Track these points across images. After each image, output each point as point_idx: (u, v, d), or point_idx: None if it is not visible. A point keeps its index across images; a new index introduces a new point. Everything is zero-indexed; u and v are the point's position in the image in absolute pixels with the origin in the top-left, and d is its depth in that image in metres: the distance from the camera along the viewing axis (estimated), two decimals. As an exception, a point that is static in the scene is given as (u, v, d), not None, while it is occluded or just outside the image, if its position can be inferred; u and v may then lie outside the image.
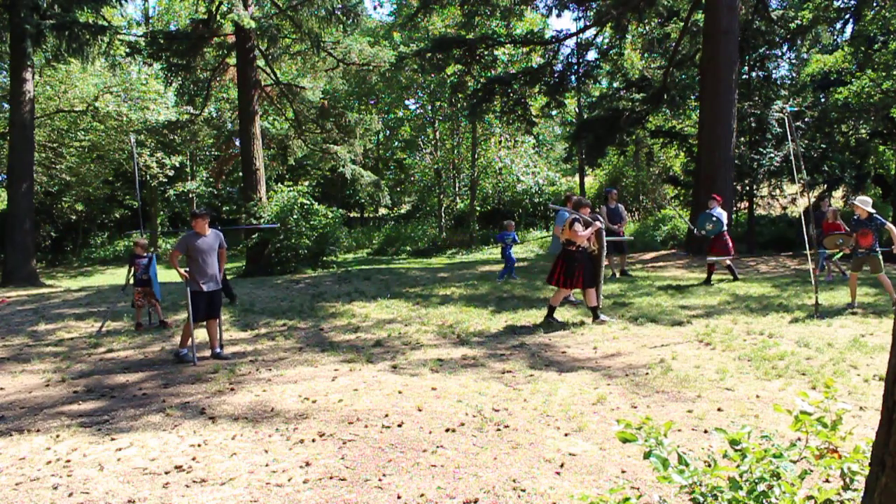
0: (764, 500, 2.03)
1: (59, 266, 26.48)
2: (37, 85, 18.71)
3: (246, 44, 17.63)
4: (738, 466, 2.16)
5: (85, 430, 4.53)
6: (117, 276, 21.95)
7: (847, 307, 8.20)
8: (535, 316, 8.39)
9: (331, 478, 3.59)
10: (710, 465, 2.13)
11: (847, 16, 19.82)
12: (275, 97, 21.01)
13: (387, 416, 4.60)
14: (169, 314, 9.38)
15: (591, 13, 19.95)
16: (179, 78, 19.11)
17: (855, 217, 8.32)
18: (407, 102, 31.46)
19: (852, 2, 19.11)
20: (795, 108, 18.49)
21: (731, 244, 10.80)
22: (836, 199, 24.46)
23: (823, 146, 19.87)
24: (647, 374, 5.60)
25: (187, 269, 6.69)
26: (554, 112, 23.78)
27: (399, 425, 4.40)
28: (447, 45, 18.62)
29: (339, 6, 17.98)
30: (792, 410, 2.37)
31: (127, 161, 24.52)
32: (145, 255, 8.59)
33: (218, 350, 6.76)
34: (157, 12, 30.21)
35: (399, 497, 3.34)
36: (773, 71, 20.43)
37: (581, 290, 7.78)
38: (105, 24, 16.99)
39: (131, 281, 8.64)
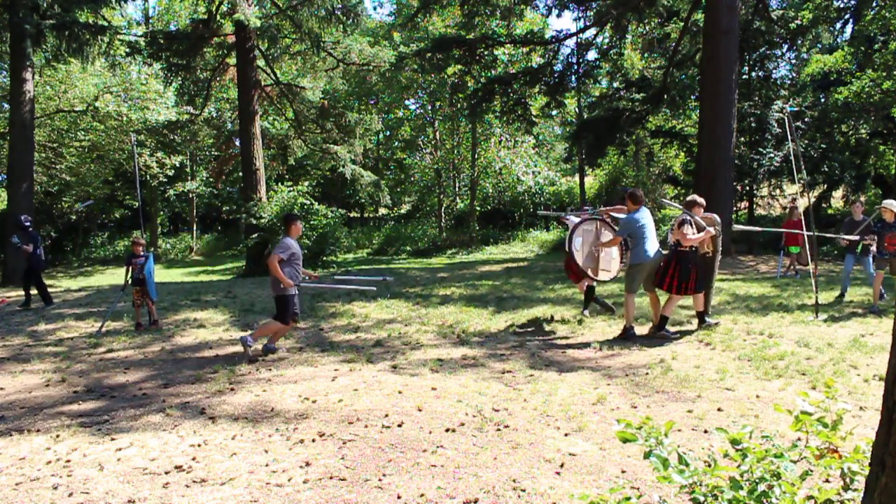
0: (764, 500, 2.03)
1: (59, 266, 26.48)
2: (37, 85, 18.70)
3: (246, 44, 17.64)
4: (738, 466, 2.15)
5: (85, 430, 4.53)
6: (117, 275, 21.95)
7: (871, 309, 8.10)
8: (536, 316, 8.39)
9: (331, 478, 3.58)
10: (710, 465, 2.13)
11: (847, 16, 19.83)
12: (275, 97, 21.02)
13: (387, 416, 4.60)
14: (169, 314, 9.38)
15: (591, 13, 19.96)
16: (179, 78, 19.13)
17: (880, 220, 8.25)
18: (407, 102, 31.49)
19: (852, 2, 19.12)
20: (795, 108, 18.49)
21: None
22: (836, 198, 24.48)
23: (823, 146, 19.88)
24: (647, 374, 5.60)
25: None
26: (554, 112, 23.79)
27: (399, 425, 4.40)
28: (447, 45, 18.62)
29: (339, 6, 17.99)
30: (792, 410, 2.37)
31: (127, 161, 24.54)
32: (142, 254, 8.58)
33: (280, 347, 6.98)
34: (157, 12, 30.21)
35: (399, 497, 3.34)
36: (773, 71, 20.47)
37: (691, 294, 7.05)
38: (105, 24, 16.99)
39: (129, 281, 8.62)
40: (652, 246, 6.99)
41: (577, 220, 7.95)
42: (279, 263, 6.55)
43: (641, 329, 7.28)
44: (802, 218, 10.91)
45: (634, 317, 7.30)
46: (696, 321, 7.57)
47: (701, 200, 7.12)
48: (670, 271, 6.95)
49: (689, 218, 6.93)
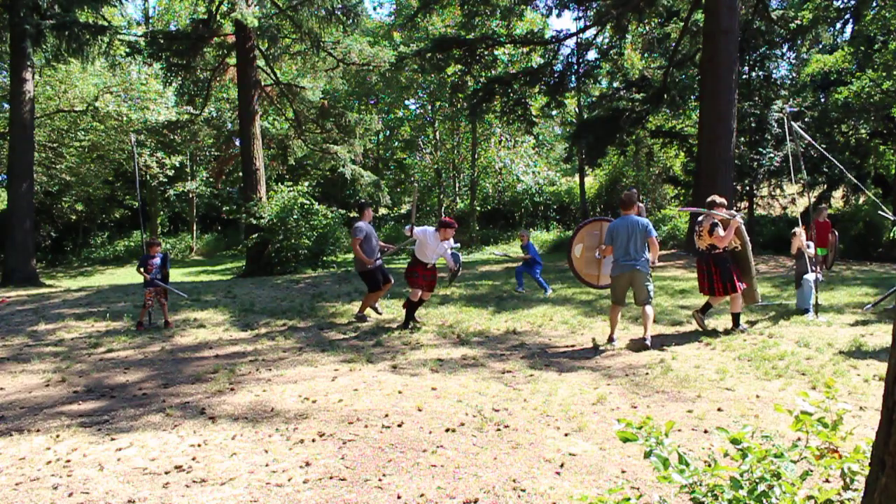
0: (764, 500, 2.03)
1: (59, 266, 26.48)
2: (37, 85, 18.71)
3: (246, 44, 17.64)
4: (738, 466, 2.16)
5: (85, 430, 4.53)
6: (117, 276, 21.97)
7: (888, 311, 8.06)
8: (536, 316, 8.39)
9: (331, 478, 3.59)
10: (710, 465, 2.13)
11: (847, 16, 19.85)
12: (275, 97, 21.02)
13: (387, 416, 4.60)
14: (169, 314, 9.36)
15: (591, 13, 19.98)
16: (179, 78, 19.12)
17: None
18: (407, 102, 31.49)
19: (852, 2, 19.13)
20: (795, 109, 18.49)
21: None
22: (836, 198, 24.48)
23: (823, 146, 19.87)
24: (647, 374, 5.60)
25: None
26: (554, 112, 23.81)
27: (399, 425, 4.40)
28: (447, 45, 18.63)
29: (339, 6, 18.00)
30: (792, 410, 2.38)
31: (127, 161, 24.54)
32: (157, 255, 8.56)
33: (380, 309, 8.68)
34: (157, 12, 30.24)
35: (399, 497, 3.34)
36: (773, 71, 20.47)
37: (727, 294, 7.01)
38: (105, 24, 17.00)
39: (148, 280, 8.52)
40: (624, 257, 6.59)
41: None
42: (360, 245, 8.01)
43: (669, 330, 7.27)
44: (828, 220, 10.79)
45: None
46: (695, 322, 7.57)
47: (721, 200, 7.03)
48: (715, 277, 6.94)
49: (717, 220, 6.87)
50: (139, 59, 19.76)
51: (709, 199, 7.11)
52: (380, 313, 8.76)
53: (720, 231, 6.82)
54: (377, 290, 8.34)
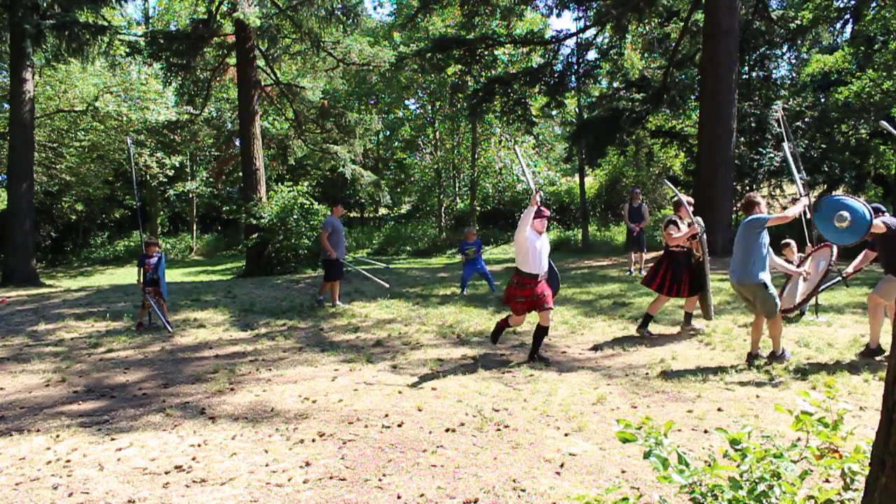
0: (764, 500, 2.03)
1: (59, 266, 26.47)
2: (37, 85, 18.69)
3: (246, 44, 17.63)
4: (738, 466, 2.16)
5: (85, 430, 4.53)
6: (117, 276, 21.95)
7: None
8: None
9: (331, 478, 3.59)
10: (710, 465, 2.13)
11: (847, 16, 19.84)
12: (275, 97, 21.01)
13: (387, 416, 4.60)
14: (169, 314, 9.35)
15: (591, 13, 19.97)
16: (179, 78, 19.11)
17: None
18: (407, 102, 31.47)
19: (852, 2, 19.13)
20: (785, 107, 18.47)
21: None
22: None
23: (823, 146, 19.88)
24: (647, 374, 5.60)
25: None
26: (554, 112, 23.77)
27: (399, 425, 4.40)
28: (447, 45, 18.62)
29: (339, 6, 17.99)
30: (792, 410, 2.38)
31: (127, 161, 24.52)
32: (155, 254, 8.56)
33: (339, 302, 9.30)
34: (157, 12, 30.20)
35: (399, 497, 3.34)
36: (773, 71, 20.46)
37: (685, 296, 7.06)
38: (105, 24, 16.98)
39: (142, 281, 8.53)
40: (733, 266, 5.85)
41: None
42: (327, 237, 8.95)
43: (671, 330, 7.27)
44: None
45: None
46: (695, 321, 7.56)
47: (688, 199, 7.02)
48: (664, 273, 7.01)
49: (673, 219, 6.98)
50: (139, 59, 19.72)
51: (675, 199, 7.13)
52: (334, 306, 9.31)
53: (672, 230, 6.88)
54: (335, 280, 9.26)
